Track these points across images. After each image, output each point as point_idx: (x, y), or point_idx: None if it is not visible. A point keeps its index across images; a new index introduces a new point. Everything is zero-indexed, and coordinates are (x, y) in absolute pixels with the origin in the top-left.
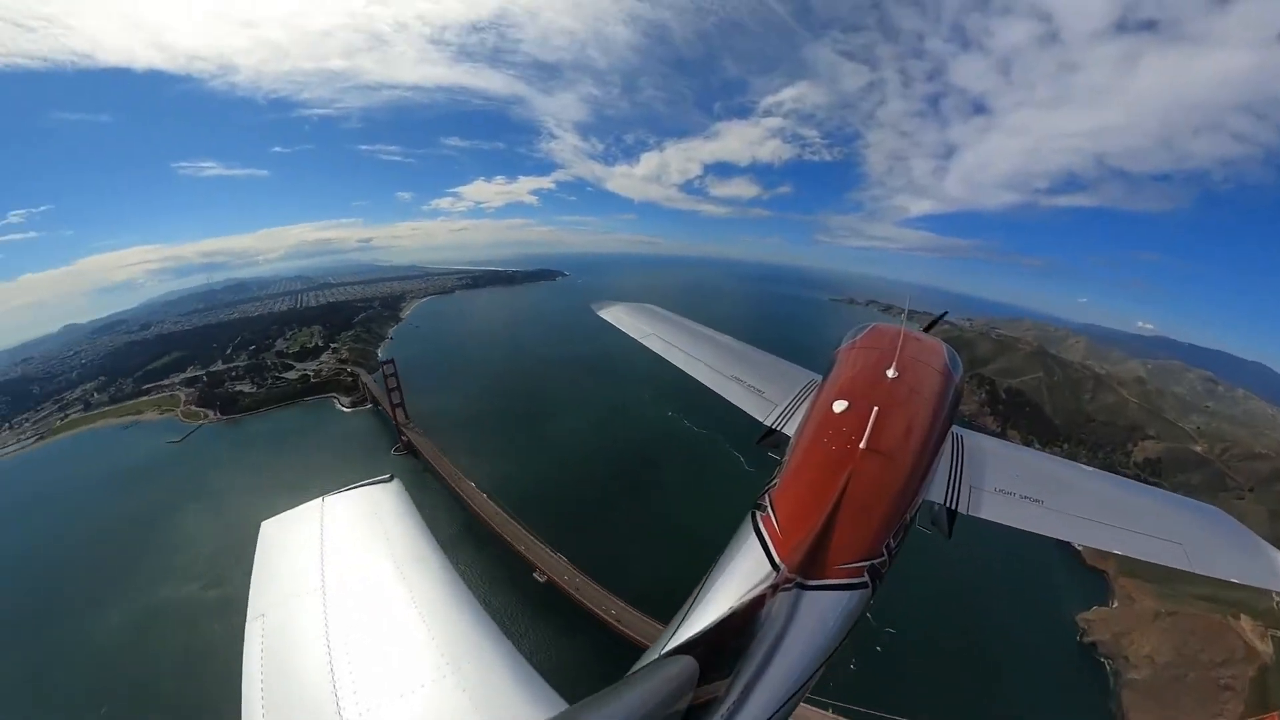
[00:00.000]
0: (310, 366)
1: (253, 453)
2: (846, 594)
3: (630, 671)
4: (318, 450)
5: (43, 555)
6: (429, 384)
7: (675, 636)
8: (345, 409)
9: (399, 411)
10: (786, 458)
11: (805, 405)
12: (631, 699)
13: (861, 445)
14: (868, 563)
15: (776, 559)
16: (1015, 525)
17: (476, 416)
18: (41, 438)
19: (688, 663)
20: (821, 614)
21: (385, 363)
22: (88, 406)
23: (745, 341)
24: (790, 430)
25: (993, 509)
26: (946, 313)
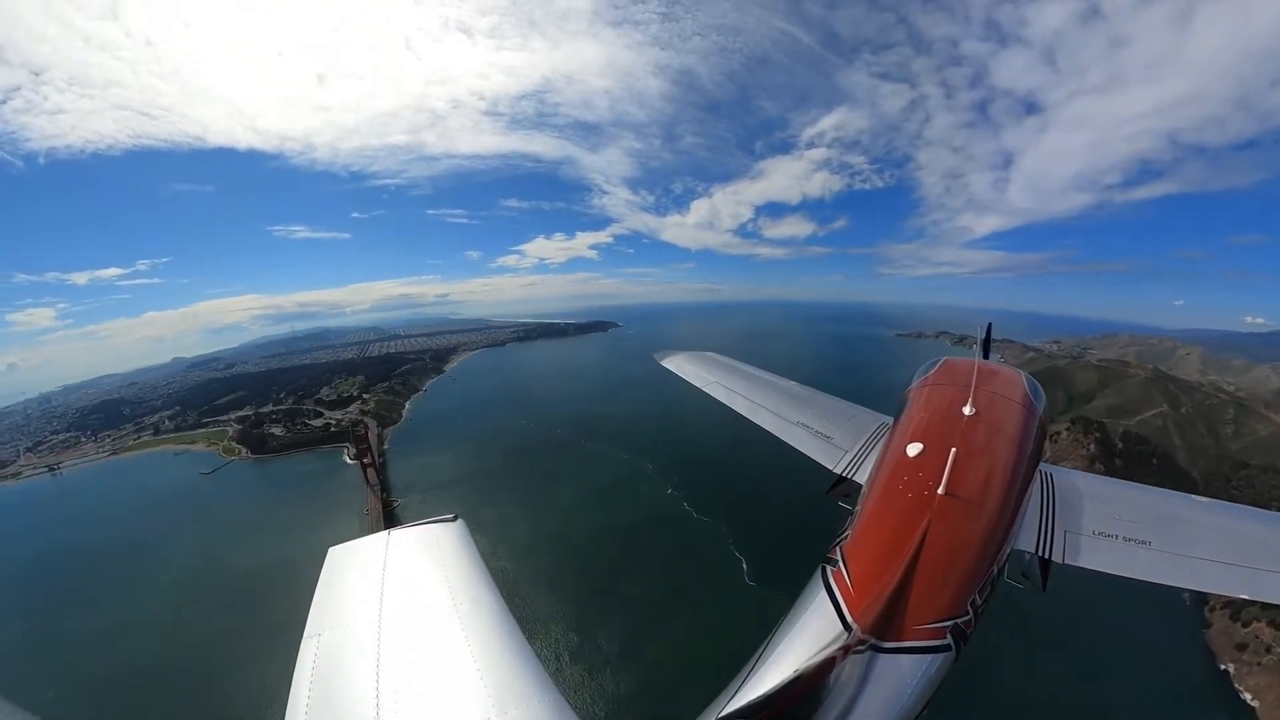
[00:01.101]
0: (337, 415)
1: (259, 492)
2: (927, 658)
3: None
4: (309, 499)
5: (57, 555)
6: (431, 441)
7: (736, 698)
8: (349, 460)
9: (370, 472)
10: (859, 507)
11: (877, 450)
12: None
13: (940, 491)
14: (950, 622)
15: (849, 618)
16: (1120, 573)
17: (461, 479)
18: (114, 453)
19: None
20: (898, 680)
21: (357, 423)
22: (156, 431)
23: (810, 386)
24: (861, 478)
25: (1093, 555)
26: (990, 323)
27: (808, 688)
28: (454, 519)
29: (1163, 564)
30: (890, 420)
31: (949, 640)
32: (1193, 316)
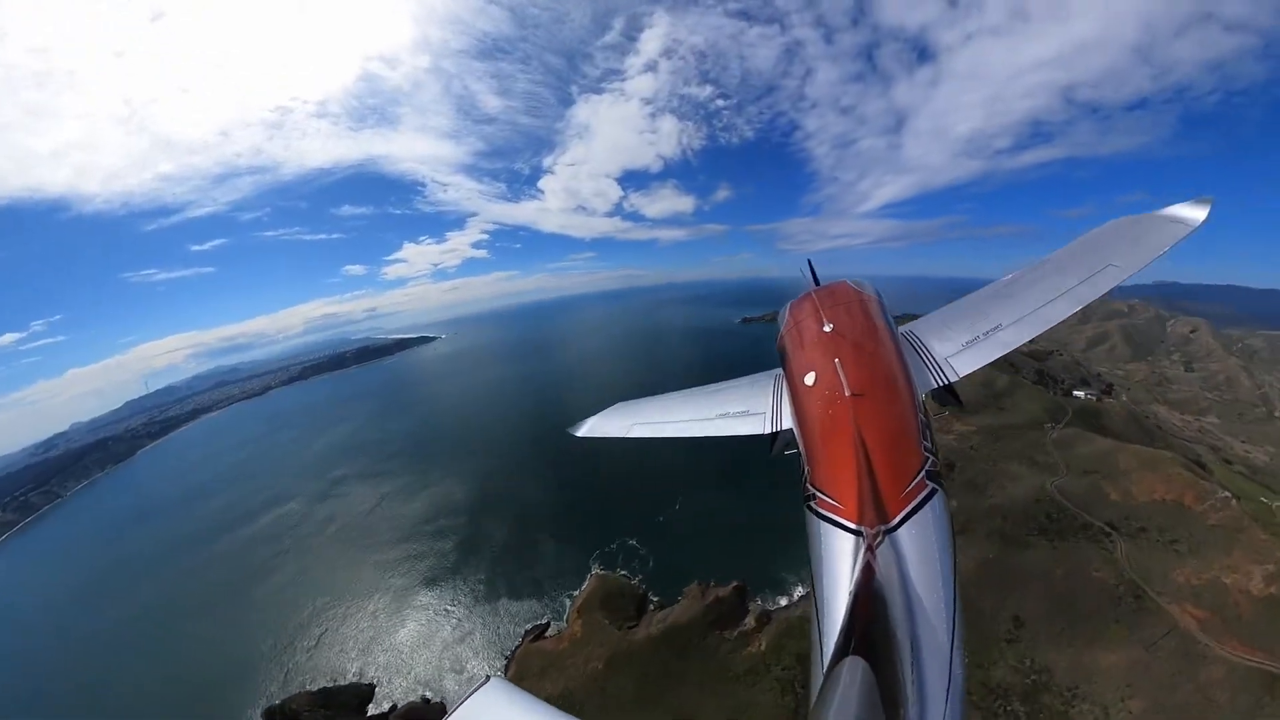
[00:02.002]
0: None
1: None
2: (927, 506)
3: (814, 695)
4: None
5: None
6: None
7: (825, 651)
8: None
9: None
10: (802, 445)
11: (785, 397)
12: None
13: (847, 394)
14: (921, 473)
15: (854, 526)
16: (997, 356)
17: None
18: None
19: (853, 662)
20: (922, 536)
21: None
22: None
23: (715, 378)
24: (788, 424)
25: (973, 359)
26: (810, 260)
27: (869, 596)
28: (487, 680)
29: (1019, 329)
30: (780, 370)
31: (931, 485)
32: None
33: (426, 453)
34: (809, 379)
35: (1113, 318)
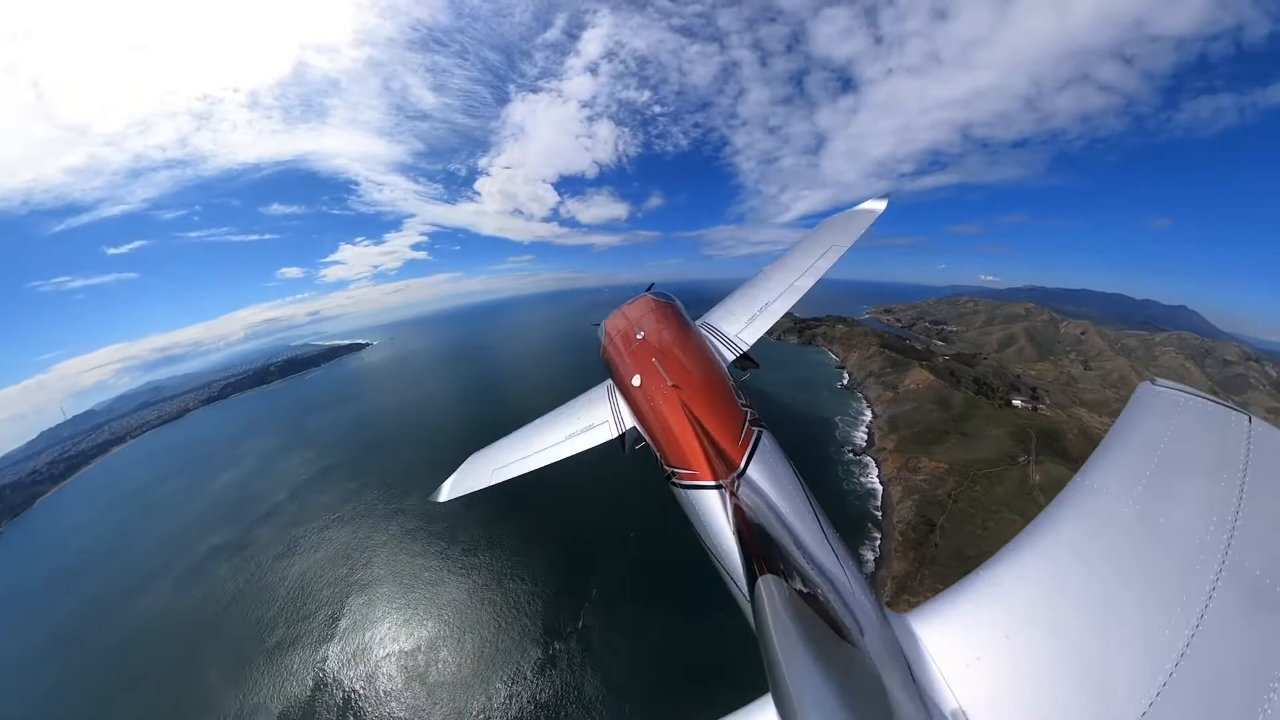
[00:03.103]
0: None
1: None
2: (761, 445)
3: (751, 621)
4: None
5: None
6: None
7: (741, 587)
8: None
9: None
10: (648, 436)
11: (620, 402)
12: (776, 638)
13: (670, 385)
14: (746, 423)
15: (713, 483)
16: (772, 323)
17: None
18: None
19: (764, 580)
20: (767, 467)
21: None
22: None
23: (555, 405)
24: (630, 423)
25: (753, 332)
26: (652, 284)
27: (751, 528)
28: None
29: (783, 300)
30: (609, 380)
31: (757, 429)
32: (950, 276)
33: (315, 503)
34: (636, 380)
35: (1015, 320)
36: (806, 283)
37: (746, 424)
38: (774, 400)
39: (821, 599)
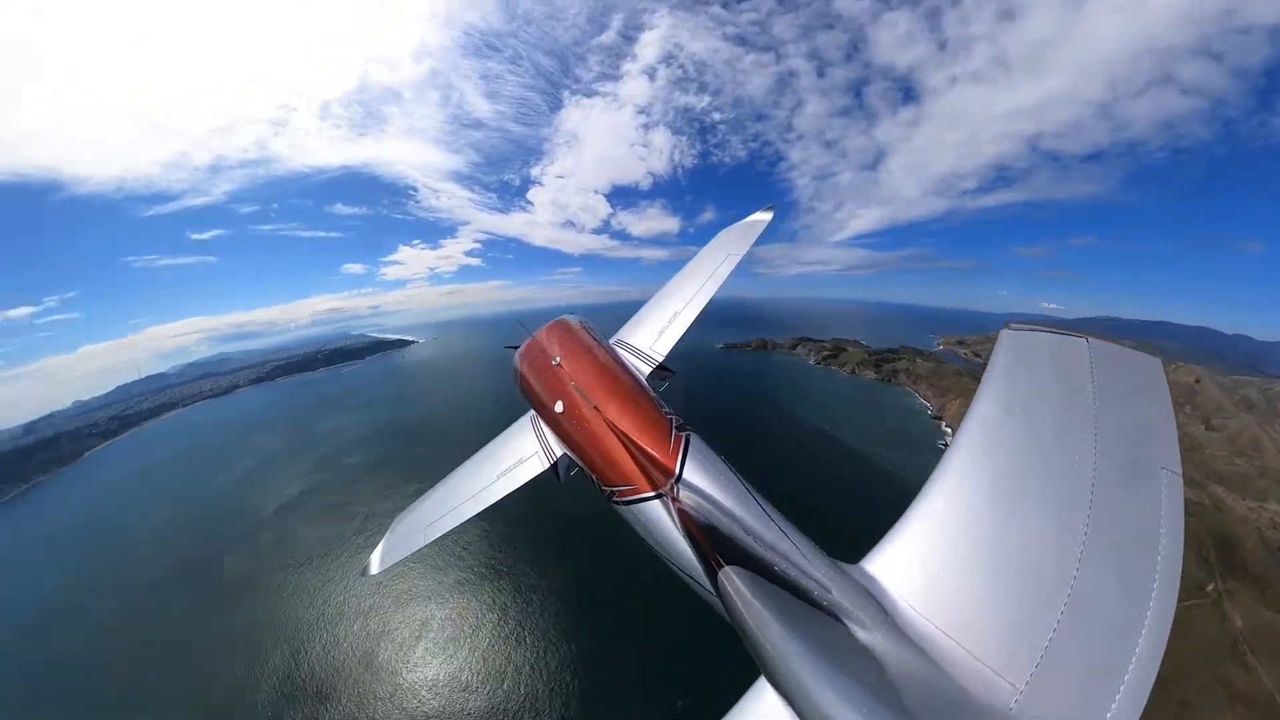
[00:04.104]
0: None
1: None
2: (691, 448)
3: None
4: None
5: None
6: None
7: (704, 586)
8: None
9: None
10: (580, 461)
11: (546, 431)
12: (751, 622)
13: (594, 407)
14: (673, 430)
15: (653, 493)
16: (683, 331)
17: None
18: None
19: (725, 571)
20: (701, 468)
21: None
22: None
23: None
24: (560, 450)
25: (666, 342)
26: (524, 325)
27: (702, 530)
28: None
29: (690, 308)
30: (531, 411)
31: (684, 434)
32: (1011, 304)
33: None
34: (559, 407)
35: None
36: (709, 291)
37: (674, 430)
38: (864, 461)
39: (780, 573)
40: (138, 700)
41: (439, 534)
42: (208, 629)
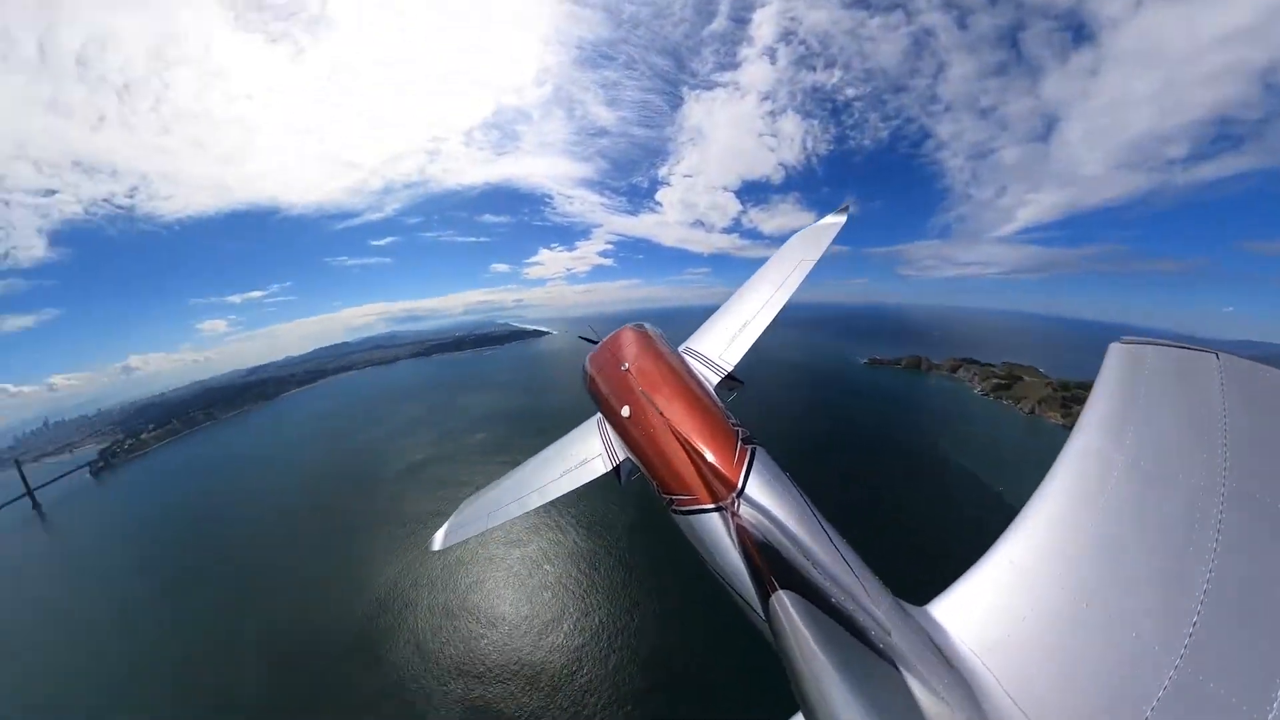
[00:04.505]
0: None
1: None
2: (756, 462)
3: (769, 637)
4: None
5: None
6: None
7: (754, 607)
8: None
9: None
10: (642, 466)
11: (612, 434)
12: (798, 653)
13: (661, 414)
14: (738, 443)
15: (713, 506)
16: (753, 341)
17: None
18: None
19: (778, 596)
20: (765, 483)
21: None
22: None
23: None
24: (622, 455)
25: (736, 352)
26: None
27: (760, 549)
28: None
29: (760, 317)
30: (598, 414)
31: (750, 446)
32: (1244, 326)
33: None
34: (625, 411)
35: None
36: (781, 299)
37: (739, 443)
38: None
39: (838, 606)
40: (281, 560)
41: (503, 520)
42: (326, 554)
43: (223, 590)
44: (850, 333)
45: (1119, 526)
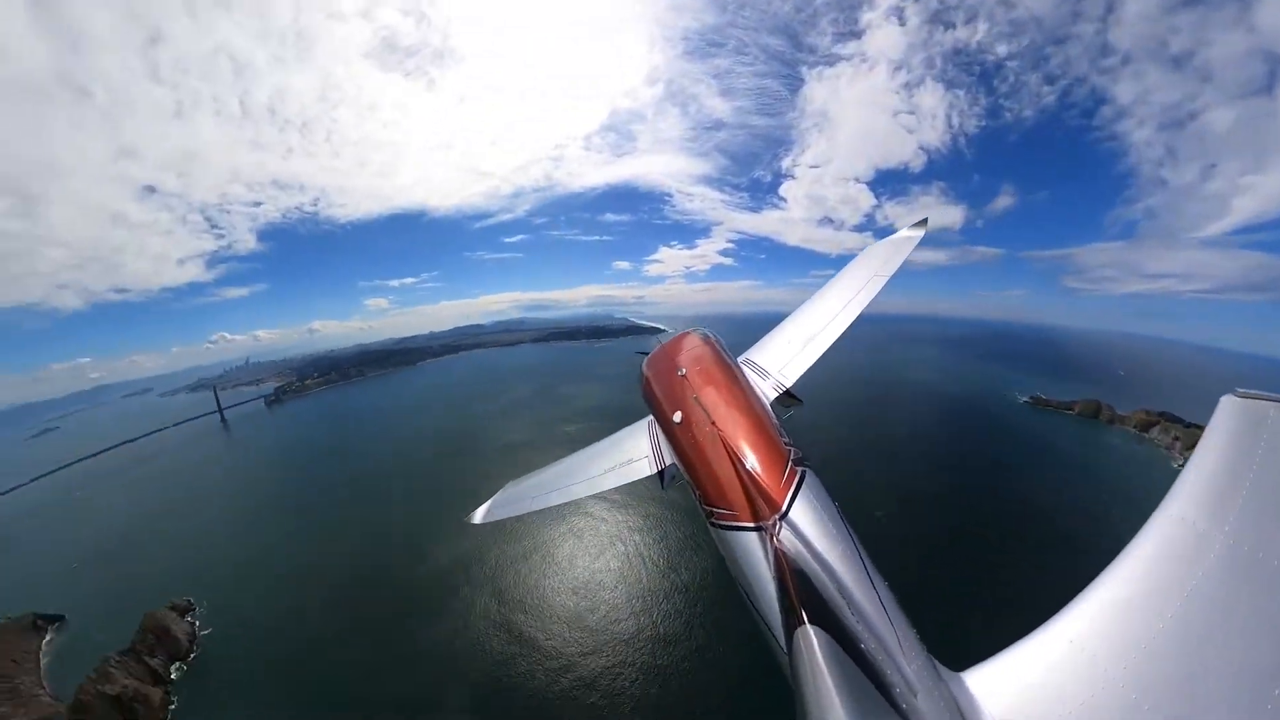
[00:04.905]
0: None
1: None
2: (805, 487)
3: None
4: None
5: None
6: None
7: (777, 635)
8: None
9: None
10: (687, 474)
11: (661, 437)
12: (813, 695)
13: (711, 422)
14: (789, 463)
15: (754, 525)
16: (815, 359)
17: None
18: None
19: (804, 631)
20: (810, 509)
21: None
22: None
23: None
24: (669, 460)
25: (797, 368)
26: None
27: (793, 573)
28: None
29: (826, 334)
30: (650, 416)
31: (801, 469)
32: None
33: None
34: (677, 417)
35: None
36: (850, 315)
37: (790, 464)
38: None
39: (867, 654)
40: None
41: (545, 506)
42: (424, 514)
43: (336, 496)
44: (1004, 358)
45: (1206, 622)
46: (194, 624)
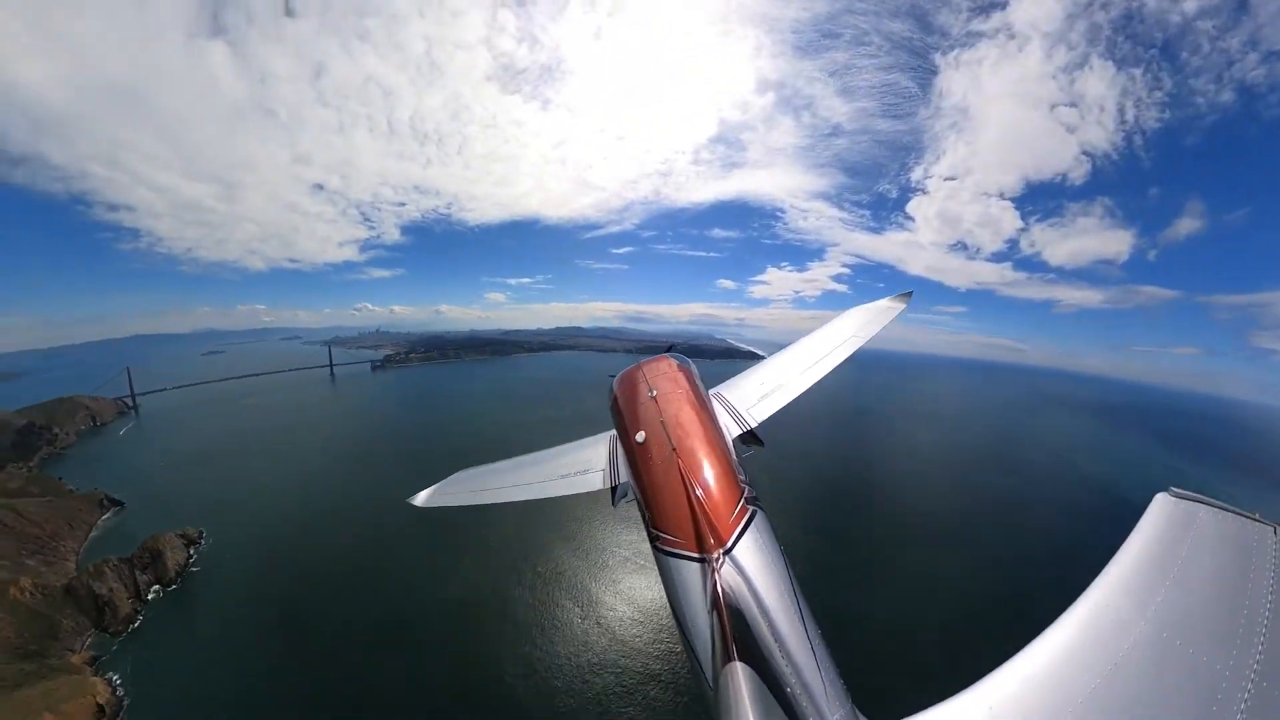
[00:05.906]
0: None
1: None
2: (753, 526)
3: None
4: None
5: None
6: None
7: (704, 667)
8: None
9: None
10: (639, 495)
11: (620, 453)
12: None
13: (672, 448)
14: (741, 500)
15: (697, 555)
16: (783, 405)
17: None
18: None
19: (731, 668)
20: (755, 549)
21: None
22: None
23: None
24: (623, 477)
25: (763, 411)
26: (671, 345)
27: (728, 612)
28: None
29: (798, 382)
30: (613, 430)
31: (752, 508)
32: None
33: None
34: (640, 437)
35: None
36: (822, 370)
37: (742, 501)
38: None
39: (792, 698)
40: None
41: (485, 502)
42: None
43: (408, 446)
44: (1169, 440)
45: (1122, 704)
46: (190, 557)
